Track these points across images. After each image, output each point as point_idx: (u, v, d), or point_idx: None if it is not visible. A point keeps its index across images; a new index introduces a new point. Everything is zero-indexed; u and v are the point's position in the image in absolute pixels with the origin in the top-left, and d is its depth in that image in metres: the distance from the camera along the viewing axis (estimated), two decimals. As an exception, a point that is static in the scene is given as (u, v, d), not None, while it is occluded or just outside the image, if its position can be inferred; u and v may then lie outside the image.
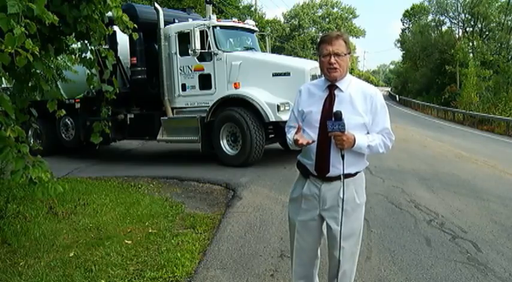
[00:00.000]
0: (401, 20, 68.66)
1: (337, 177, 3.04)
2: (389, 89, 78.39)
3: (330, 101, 3.05)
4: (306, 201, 3.18)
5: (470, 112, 29.54)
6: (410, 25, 65.58)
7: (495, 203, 7.67)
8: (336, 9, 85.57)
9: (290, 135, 3.18)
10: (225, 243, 5.22)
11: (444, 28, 52.40)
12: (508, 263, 4.96)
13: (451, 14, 50.35)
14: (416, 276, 4.48)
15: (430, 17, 56.90)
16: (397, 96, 57.18)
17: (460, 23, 50.13)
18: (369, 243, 5.32)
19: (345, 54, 3.02)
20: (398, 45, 68.41)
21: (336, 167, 3.02)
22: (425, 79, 48.43)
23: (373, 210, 6.70)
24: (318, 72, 10.50)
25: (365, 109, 3.05)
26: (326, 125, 2.92)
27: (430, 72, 47.57)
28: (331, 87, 3.08)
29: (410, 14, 65.65)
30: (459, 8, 48.66)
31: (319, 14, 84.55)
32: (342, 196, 3.02)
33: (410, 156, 11.99)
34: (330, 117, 2.93)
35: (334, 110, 2.95)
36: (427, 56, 49.69)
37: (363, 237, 5.41)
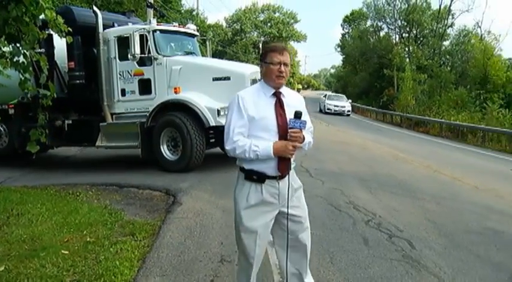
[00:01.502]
0: (341, 25, 70.35)
1: (287, 172, 3.31)
2: (328, 93, 79.78)
3: (280, 105, 3.28)
4: (266, 204, 3.30)
5: (407, 115, 30.54)
6: (350, 30, 67.26)
7: (429, 201, 8.01)
8: (277, 14, 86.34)
9: (263, 143, 3.18)
10: (164, 250, 5.17)
11: (382, 33, 54.07)
12: (439, 258, 5.20)
13: (388, 20, 51.99)
14: (354, 276, 4.60)
15: (368, 23, 58.64)
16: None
17: (396, 29, 51.86)
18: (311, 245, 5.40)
19: (289, 65, 3.31)
20: (339, 49, 70.04)
21: (292, 163, 3.35)
22: (364, 83, 49.74)
23: (312, 212, 6.71)
24: (258, 76, 10.61)
25: (302, 110, 3.29)
26: (288, 124, 3.17)
27: (369, 76, 48.90)
28: (278, 94, 3.30)
29: (350, 20, 67.31)
30: (395, 15, 50.33)
31: (261, 18, 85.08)
32: (295, 186, 3.40)
33: (351, 158, 12.28)
34: (283, 122, 3.20)
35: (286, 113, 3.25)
36: (366, 61, 51.07)
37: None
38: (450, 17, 44.91)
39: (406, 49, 47.39)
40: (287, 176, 3.31)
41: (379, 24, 54.40)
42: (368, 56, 50.10)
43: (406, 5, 48.89)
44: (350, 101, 39.02)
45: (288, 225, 3.37)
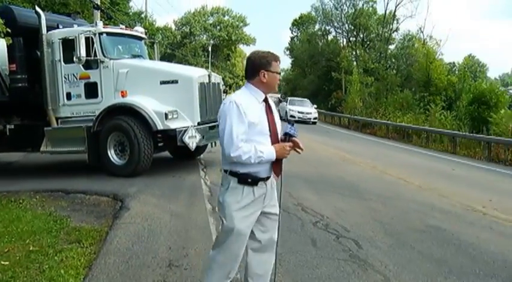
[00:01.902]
0: (290, 29, 70.93)
1: (280, 173, 3.53)
2: (279, 96, 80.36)
3: (270, 111, 3.50)
4: (255, 204, 3.43)
5: (355, 117, 31.15)
6: (299, 34, 67.93)
7: (375, 201, 8.22)
8: (227, 17, 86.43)
9: (265, 148, 3.33)
10: (111, 256, 5.08)
11: (330, 37, 54.90)
12: (384, 256, 5.35)
13: (336, 24, 52.78)
14: (302, 277, 4.67)
15: (317, 27, 59.35)
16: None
17: (344, 33, 52.77)
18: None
19: None
20: (288, 52, 70.58)
21: None
22: (313, 85, 50.36)
23: None
24: (206, 80, 10.65)
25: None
26: (284, 129, 3.49)
27: (317, 79, 49.55)
28: (267, 99, 3.50)
29: (298, 23, 68.01)
30: (343, 19, 51.23)
31: (211, 21, 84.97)
32: (273, 185, 3.60)
33: (298, 160, 12.24)
34: (274, 126, 3.47)
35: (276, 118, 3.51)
36: (315, 64, 51.74)
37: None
38: (395, 22, 46.30)
39: (354, 52, 48.36)
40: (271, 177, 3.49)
41: (327, 28, 55.22)
42: (316, 59, 50.79)
43: (353, 10, 49.92)
44: (315, 106, 33.87)
45: (265, 224, 3.56)
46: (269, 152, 3.32)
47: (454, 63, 56.52)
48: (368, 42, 49.88)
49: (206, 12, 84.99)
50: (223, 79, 15.53)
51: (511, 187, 11.49)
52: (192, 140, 9.63)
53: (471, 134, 20.79)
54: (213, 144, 11.14)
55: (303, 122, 30.08)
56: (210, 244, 5.44)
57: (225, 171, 3.45)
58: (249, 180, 3.37)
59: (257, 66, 3.44)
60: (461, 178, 12.23)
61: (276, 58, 3.48)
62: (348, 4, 50.65)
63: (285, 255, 5.20)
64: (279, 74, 3.54)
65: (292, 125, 3.51)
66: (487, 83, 31.42)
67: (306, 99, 36.55)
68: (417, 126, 24.66)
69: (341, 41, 53.16)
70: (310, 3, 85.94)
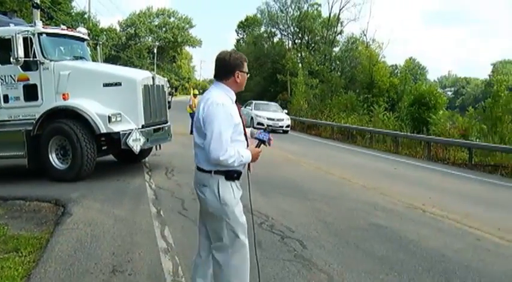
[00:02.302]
0: (236, 31, 71.03)
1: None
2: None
3: (240, 111, 3.60)
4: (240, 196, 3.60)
5: (300, 118, 31.48)
6: (245, 36, 68.12)
7: (320, 202, 8.35)
8: (172, 19, 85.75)
9: (245, 151, 3.47)
10: (52, 264, 4.92)
11: (276, 39, 55.33)
12: (328, 256, 5.44)
13: (281, 26, 53.27)
14: (247, 278, 4.68)
15: (262, 29, 59.68)
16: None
17: (289, 35, 53.35)
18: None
19: None
20: (234, 55, 70.53)
21: None
22: (259, 87, 50.56)
23: None
24: (150, 82, 10.53)
25: None
26: (258, 135, 3.71)
27: (263, 81, 49.78)
28: (236, 99, 3.62)
29: (244, 25, 68.17)
30: (288, 22, 51.77)
31: (156, 23, 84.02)
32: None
33: (245, 162, 12.41)
34: (244, 122, 3.59)
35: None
36: (261, 66, 51.98)
37: (196, 245, 5.53)
38: (339, 25, 47.19)
39: (299, 55, 48.98)
40: None
41: (273, 30, 55.63)
42: (262, 61, 51.04)
43: (298, 13, 50.55)
44: (286, 111, 28.42)
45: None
46: (247, 156, 3.46)
47: (396, 65, 58.21)
48: (313, 45, 50.60)
49: (151, 14, 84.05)
50: (169, 81, 15.41)
51: (449, 185, 11.90)
52: (136, 143, 9.49)
53: (412, 134, 21.43)
54: (158, 147, 11.02)
55: (272, 131, 23.30)
56: (154, 248, 5.42)
57: (209, 171, 3.46)
58: (235, 175, 3.50)
59: (232, 67, 3.52)
60: (402, 177, 12.59)
61: (245, 59, 3.62)
62: (293, 7, 51.31)
63: (230, 257, 5.19)
64: (248, 73, 3.63)
65: (267, 131, 3.74)
66: (427, 85, 32.48)
67: (273, 102, 31.17)
68: (361, 127, 25.21)
69: (286, 43, 53.71)
70: (256, 6, 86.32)
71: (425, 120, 23.66)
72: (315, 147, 19.87)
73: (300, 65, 45.56)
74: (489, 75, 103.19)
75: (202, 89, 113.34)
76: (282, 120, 25.89)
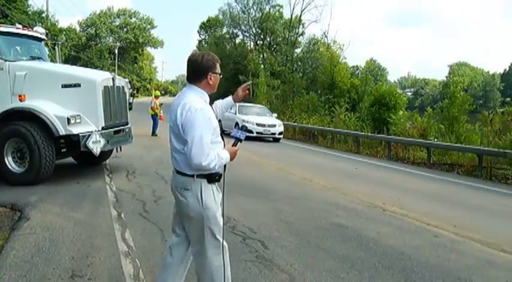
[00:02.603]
0: (198, 32, 70.82)
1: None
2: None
3: (213, 111, 3.58)
4: (220, 200, 3.59)
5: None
6: (207, 37, 67.98)
7: (281, 202, 8.40)
8: (134, 19, 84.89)
9: (223, 152, 3.47)
10: (7, 271, 4.75)
11: (238, 40, 55.42)
12: (290, 256, 5.48)
13: (243, 27, 53.42)
14: (208, 280, 4.66)
15: (224, 30, 59.71)
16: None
17: (251, 36, 53.53)
18: (163, 252, 5.33)
19: None
20: (196, 56, 70.32)
21: None
22: (221, 88, 49.36)
23: (168, 220, 6.69)
24: (110, 83, 10.37)
25: None
26: (235, 133, 3.70)
27: (225, 82, 49.49)
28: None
29: (206, 26, 68.07)
30: (250, 23, 51.94)
31: (117, 23, 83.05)
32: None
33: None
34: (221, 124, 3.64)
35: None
36: (223, 67, 50.81)
37: (157, 248, 5.50)
38: (301, 26, 47.59)
39: (261, 56, 49.18)
40: None
41: (235, 31, 55.76)
42: (224, 62, 50.91)
43: (260, 14, 50.77)
44: (275, 115, 24.73)
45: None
46: (226, 156, 3.47)
47: (357, 66, 59.22)
48: (275, 46, 50.91)
49: (112, 14, 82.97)
50: (130, 82, 15.18)
51: (409, 184, 12.14)
52: (96, 145, 9.32)
53: (373, 134, 21.80)
54: (119, 149, 10.88)
55: (261, 139, 21.71)
56: (115, 251, 5.35)
57: (191, 175, 3.43)
58: (217, 177, 3.49)
59: (205, 69, 3.50)
60: (363, 177, 12.78)
61: (218, 60, 3.60)
62: (255, 8, 51.53)
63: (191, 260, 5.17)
64: (220, 74, 3.61)
65: (244, 129, 3.75)
66: (387, 86, 33.08)
67: (260, 105, 27.68)
68: (322, 128, 25.49)
69: (248, 44, 53.88)
70: (218, 7, 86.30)
71: (385, 120, 24.10)
72: (276, 148, 19.96)
73: (262, 66, 45.75)
74: (446, 77, 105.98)
75: (164, 90, 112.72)
76: (274, 126, 22.40)
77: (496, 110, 25.94)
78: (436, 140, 19.75)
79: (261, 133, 21.65)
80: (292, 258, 5.42)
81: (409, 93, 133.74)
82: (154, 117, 21.18)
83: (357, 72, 48.39)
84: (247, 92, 4.20)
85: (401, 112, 25.76)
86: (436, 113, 22.98)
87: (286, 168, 12.92)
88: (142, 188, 8.98)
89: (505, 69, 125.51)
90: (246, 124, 20.42)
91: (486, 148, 15.87)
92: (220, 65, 3.62)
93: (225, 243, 3.61)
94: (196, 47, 71.04)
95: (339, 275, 4.96)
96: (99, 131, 9.48)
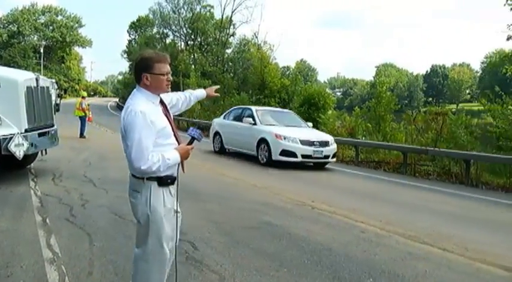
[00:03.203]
0: (128, 31, 69.56)
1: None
2: (117, 100, 78.20)
3: (166, 111, 3.54)
4: (174, 203, 3.53)
5: (193, 120, 31.41)
6: (137, 36, 66.93)
7: (212, 202, 8.40)
8: (60, 17, 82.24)
9: (171, 153, 3.35)
10: None
11: (168, 41, 54.94)
12: (220, 256, 5.48)
13: (174, 27, 53.04)
14: (138, 284, 4.60)
15: (155, 30, 59.01)
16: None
17: (182, 36, 53.22)
18: (91, 257, 5.24)
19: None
20: (126, 55, 69.10)
21: None
22: (151, 90, 49.92)
23: (96, 224, 6.65)
24: (34, 83, 9.99)
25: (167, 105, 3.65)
26: (190, 131, 3.52)
27: (156, 83, 49.22)
28: (162, 100, 3.52)
29: (136, 26, 67.04)
30: (181, 23, 51.61)
31: (42, 21, 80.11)
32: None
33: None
34: (173, 124, 3.53)
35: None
36: (153, 67, 51.27)
37: (84, 253, 5.36)
38: (232, 27, 47.79)
39: (192, 56, 48.94)
40: None
41: (165, 31, 55.29)
42: (155, 62, 50.39)
43: (191, 14, 50.56)
44: (310, 124, 17.43)
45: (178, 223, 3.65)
46: (174, 157, 3.36)
47: (288, 67, 60.07)
48: (206, 46, 50.93)
49: (36, 11, 79.93)
50: (57, 83, 14.71)
51: (338, 182, 12.46)
52: (18, 148, 8.95)
53: (303, 134, 22.07)
54: (44, 152, 10.50)
55: (312, 166, 14.72)
56: (39, 259, 5.15)
57: (141, 178, 3.37)
58: (169, 180, 3.44)
59: (139, 70, 3.41)
60: (293, 175, 12.94)
61: (160, 59, 3.40)
62: (185, 8, 51.35)
63: (121, 263, 5.06)
64: (164, 74, 3.40)
65: (199, 128, 3.63)
66: (317, 86, 33.81)
67: (287, 110, 20.81)
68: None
69: (179, 44, 53.56)
70: (149, 6, 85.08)
71: (315, 120, 24.51)
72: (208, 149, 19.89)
73: (193, 66, 45.59)
74: (373, 77, 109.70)
75: (94, 91, 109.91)
76: (327, 144, 14.49)
77: (419, 109, 27.11)
78: (363, 138, 20.35)
79: (310, 157, 14.09)
80: (222, 258, 5.42)
81: (339, 93, 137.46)
82: (83, 118, 20.63)
83: (288, 72, 49.00)
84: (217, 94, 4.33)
85: (330, 112, 26.36)
86: (363, 112, 23.62)
87: (217, 169, 12.92)
88: (69, 192, 8.73)
89: (427, 71, 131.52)
90: (285, 143, 13.87)
91: (410, 146, 16.55)
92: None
93: (167, 252, 3.54)
94: (126, 47, 69.91)
95: (268, 273, 5.02)
96: (22, 133, 9.11)
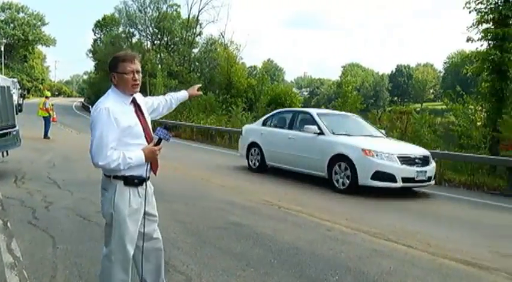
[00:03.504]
0: (93, 30, 68.56)
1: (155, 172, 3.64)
2: (83, 100, 76.96)
3: (139, 112, 3.51)
4: (142, 204, 3.51)
5: (160, 120, 31.18)
6: (102, 35, 66.06)
7: (178, 203, 8.35)
8: (22, 15, 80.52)
9: (135, 153, 3.36)
10: None
11: (134, 40, 54.36)
12: (186, 256, 5.45)
13: (140, 27, 52.55)
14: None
15: (121, 29, 58.32)
16: (90, 106, 55.86)
17: (148, 35, 52.77)
18: (55, 261, 5.13)
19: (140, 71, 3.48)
20: (91, 55, 68.10)
21: None
22: (114, 89, 49.28)
23: (60, 226, 6.53)
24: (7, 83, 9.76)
25: (148, 109, 3.74)
26: (157, 132, 3.47)
27: (121, 82, 48.62)
28: (135, 100, 3.50)
29: (102, 25, 66.14)
30: (147, 22, 51.19)
31: (2, 18, 78.23)
32: (152, 187, 3.73)
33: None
34: (146, 125, 3.52)
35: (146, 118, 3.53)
36: (118, 67, 50.65)
37: (47, 256, 5.26)
38: (198, 26, 47.61)
39: (158, 56, 48.53)
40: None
41: (131, 30, 54.68)
42: (120, 62, 49.81)
43: (157, 13, 50.16)
44: (383, 131, 13.35)
45: (145, 224, 3.60)
46: (138, 157, 3.36)
47: (254, 67, 60.23)
48: (172, 46, 50.61)
49: (-4, 8, 77.98)
50: (19, 82, 14.36)
51: (304, 180, 12.50)
52: (-22, 149, 8.73)
53: (270, 133, 22.12)
54: (5, 153, 10.26)
55: (402, 194, 10.63)
56: (-1, 264, 5.02)
57: (108, 176, 3.42)
58: (136, 181, 3.43)
59: (109, 69, 3.48)
60: (260, 175, 12.94)
61: (125, 58, 3.41)
62: (152, 7, 50.94)
63: (85, 265, 5.00)
64: (127, 73, 3.39)
65: (165, 128, 3.53)
66: (283, 86, 34.02)
67: (350, 113, 15.08)
68: (220, 127, 25.53)
69: (145, 44, 53.06)
70: (114, 5, 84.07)
71: (281, 119, 24.66)
72: (174, 149, 19.60)
73: (159, 66, 45.24)
74: (340, 77, 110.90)
75: (58, 90, 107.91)
76: (427, 160, 10.98)
77: (385, 109, 27.52)
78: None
79: (412, 180, 10.40)
80: (189, 258, 5.40)
81: (306, 93, 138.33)
82: (46, 118, 20.25)
83: (254, 72, 49.14)
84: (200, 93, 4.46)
85: (297, 111, 26.52)
86: (330, 111, 23.87)
87: (183, 168, 12.84)
88: (32, 194, 8.54)
89: (392, 71, 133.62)
90: (379, 161, 10.13)
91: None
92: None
93: (130, 253, 3.53)
94: (92, 46, 68.82)
95: (235, 273, 5.01)
96: (-20, 134, 8.88)
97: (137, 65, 3.44)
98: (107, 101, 3.38)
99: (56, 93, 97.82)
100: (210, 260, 5.42)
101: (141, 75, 3.50)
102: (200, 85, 4.62)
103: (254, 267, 5.23)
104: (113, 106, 3.32)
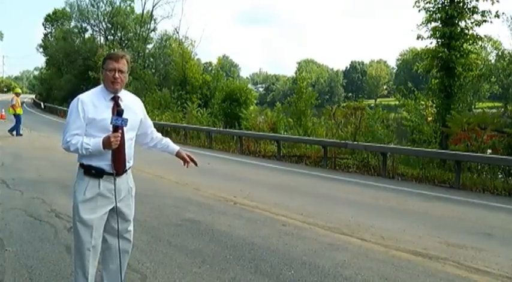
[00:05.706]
0: (43, 25, 66.65)
1: (124, 171, 3.73)
2: (33, 96, 74.79)
3: (117, 107, 3.57)
4: (102, 198, 3.59)
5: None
6: (53, 30, 64.37)
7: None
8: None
9: (93, 140, 3.47)
10: None
11: (87, 35, 53.25)
12: (141, 254, 5.42)
13: (92, 22, 51.53)
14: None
15: (73, 23, 57.03)
16: (42, 103, 54.33)
17: (101, 31, 51.79)
18: (3, 264, 4.98)
19: (126, 72, 3.65)
20: (41, 50, 66.24)
21: (128, 162, 3.75)
22: (70, 85, 47.98)
23: (8, 227, 6.35)
24: None
25: (141, 111, 3.97)
26: (111, 120, 3.44)
27: (74, 79, 47.40)
28: (116, 98, 3.62)
29: (52, 19, 64.39)
30: (100, 17, 50.25)
31: None
32: (130, 185, 3.92)
33: (53, 164, 11.72)
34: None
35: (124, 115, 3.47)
36: (71, 62, 49.43)
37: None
38: (153, 22, 47.03)
39: (111, 51, 47.69)
40: (124, 175, 3.74)
41: (84, 25, 53.54)
42: (73, 57, 48.56)
43: (111, 8, 49.29)
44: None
45: (118, 221, 3.71)
46: (94, 143, 3.46)
47: (210, 63, 59.98)
48: (126, 41, 49.84)
49: None
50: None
51: (260, 177, 12.53)
52: None
53: (225, 129, 22.13)
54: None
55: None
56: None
57: (80, 164, 3.64)
58: (93, 171, 3.57)
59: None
60: (215, 171, 12.90)
61: (111, 57, 3.63)
62: (105, 2, 49.97)
63: (36, 267, 4.91)
64: (109, 71, 3.55)
65: (120, 115, 3.47)
66: (239, 82, 33.94)
67: None
68: (175, 124, 25.28)
69: (98, 39, 52.07)
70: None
71: (237, 115, 24.63)
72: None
73: (113, 62, 44.47)
74: (295, 73, 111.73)
75: (7, 87, 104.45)
76: None
77: (339, 104, 27.88)
78: (285, 133, 20.65)
79: None
80: (144, 256, 5.35)
81: (261, 89, 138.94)
82: (17, 116, 19.88)
83: (210, 68, 48.93)
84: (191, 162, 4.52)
85: (252, 107, 26.56)
86: (285, 107, 23.99)
87: (137, 166, 12.53)
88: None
89: (346, 67, 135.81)
90: None
91: (330, 140, 16.88)
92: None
93: (85, 240, 3.59)
94: (42, 41, 66.88)
95: (191, 270, 4.99)
96: None
97: (121, 65, 3.58)
98: (86, 93, 3.65)
99: (5, 89, 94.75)
100: (165, 257, 5.39)
101: (125, 75, 3.64)
102: (196, 161, 4.67)
103: (210, 263, 5.23)
104: (88, 98, 3.56)
